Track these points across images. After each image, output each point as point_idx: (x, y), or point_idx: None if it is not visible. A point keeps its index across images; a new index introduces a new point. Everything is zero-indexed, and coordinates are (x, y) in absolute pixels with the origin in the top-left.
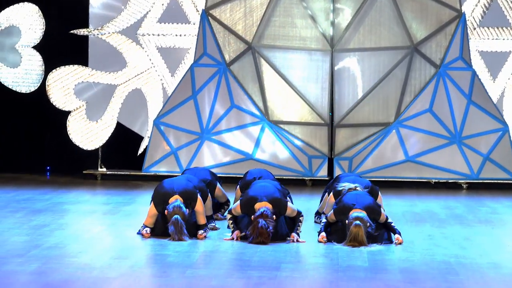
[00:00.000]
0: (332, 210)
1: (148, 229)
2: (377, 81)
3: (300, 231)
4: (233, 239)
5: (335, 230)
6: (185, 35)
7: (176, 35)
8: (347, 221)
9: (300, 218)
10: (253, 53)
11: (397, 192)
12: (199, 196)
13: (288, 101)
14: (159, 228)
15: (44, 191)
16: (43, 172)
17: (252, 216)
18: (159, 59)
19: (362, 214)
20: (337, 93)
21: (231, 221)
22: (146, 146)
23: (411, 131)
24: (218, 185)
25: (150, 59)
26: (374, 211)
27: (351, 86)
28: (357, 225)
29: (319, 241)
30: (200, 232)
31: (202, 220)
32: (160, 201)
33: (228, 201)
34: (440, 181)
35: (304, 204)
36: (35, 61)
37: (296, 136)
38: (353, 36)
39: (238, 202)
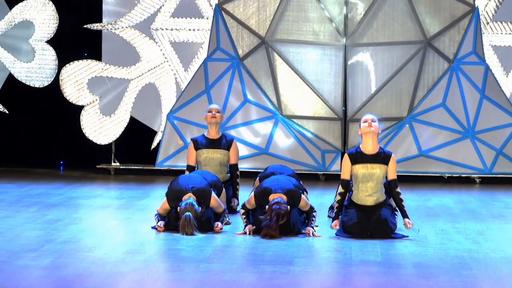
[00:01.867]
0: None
1: (162, 223)
2: (390, 76)
3: (315, 226)
4: (245, 233)
5: (349, 220)
6: (198, 29)
7: (190, 30)
8: (266, 206)
9: (314, 213)
10: (267, 48)
11: (410, 187)
12: (213, 194)
13: (302, 95)
14: (173, 223)
15: (57, 185)
16: (56, 166)
17: (267, 206)
18: (173, 54)
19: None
20: (350, 88)
21: (244, 216)
22: (160, 141)
23: (424, 126)
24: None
25: (163, 54)
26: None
27: (364, 80)
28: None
29: (332, 227)
30: (216, 224)
31: (220, 209)
32: (173, 197)
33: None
34: (453, 175)
35: (317, 199)
36: (49, 55)
37: (309, 131)
38: (367, 31)
39: (252, 193)
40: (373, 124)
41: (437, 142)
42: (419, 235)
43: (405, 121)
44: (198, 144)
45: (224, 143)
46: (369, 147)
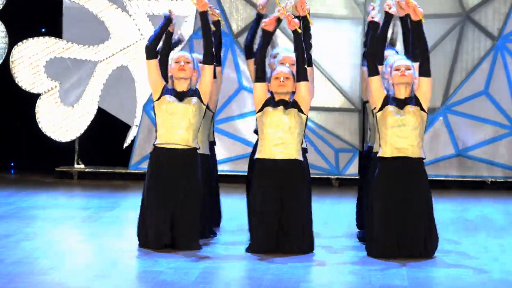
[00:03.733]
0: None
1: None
2: None
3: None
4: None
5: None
6: None
7: (172, 0)
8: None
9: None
10: None
11: (445, 194)
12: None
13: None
14: (153, 233)
15: (7, 193)
16: (6, 169)
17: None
18: (151, 30)
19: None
20: None
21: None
22: (134, 138)
23: (462, 119)
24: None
25: (139, 29)
26: None
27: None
28: None
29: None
30: None
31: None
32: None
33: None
34: (498, 180)
35: (329, 209)
36: None
37: (320, 125)
38: (391, 1)
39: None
40: (407, 73)
41: (478, 139)
42: (457, 253)
43: (439, 112)
44: None
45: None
46: (402, 97)
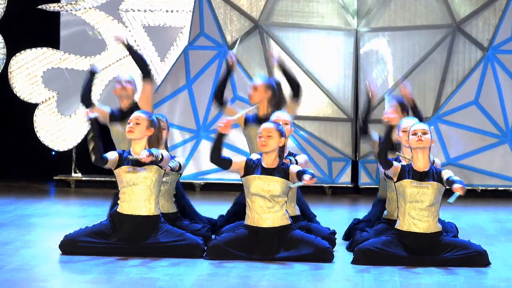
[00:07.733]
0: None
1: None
2: (411, 67)
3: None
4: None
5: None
6: (177, 11)
7: (167, 11)
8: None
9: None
10: (261, 33)
11: None
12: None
13: (303, 91)
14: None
15: (6, 201)
16: (5, 178)
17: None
18: (146, 40)
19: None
20: (363, 82)
21: None
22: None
23: (453, 128)
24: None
25: (135, 40)
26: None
27: (380, 73)
28: None
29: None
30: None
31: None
32: None
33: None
34: (488, 188)
35: (322, 217)
36: None
37: (313, 134)
38: (383, 13)
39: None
40: (424, 138)
41: (468, 148)
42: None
43: (430, 122)
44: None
45: None
46: (420, 164)
